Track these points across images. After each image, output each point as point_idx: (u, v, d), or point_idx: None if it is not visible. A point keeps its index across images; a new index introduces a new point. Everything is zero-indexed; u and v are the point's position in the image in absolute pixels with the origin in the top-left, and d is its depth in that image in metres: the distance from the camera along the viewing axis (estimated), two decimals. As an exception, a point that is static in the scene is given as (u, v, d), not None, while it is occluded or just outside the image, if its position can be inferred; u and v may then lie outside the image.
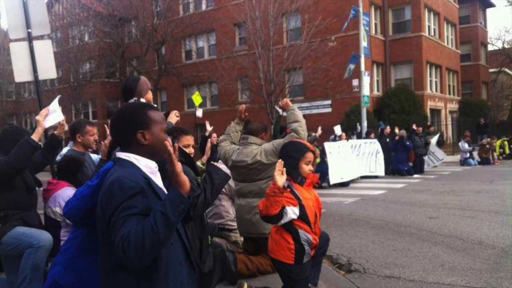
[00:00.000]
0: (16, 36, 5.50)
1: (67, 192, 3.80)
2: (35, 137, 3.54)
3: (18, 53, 5.42)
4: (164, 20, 25.17)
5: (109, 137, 3.14)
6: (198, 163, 4.21)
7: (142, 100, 3.37)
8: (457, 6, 29.78)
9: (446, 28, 28.13)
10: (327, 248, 3.64)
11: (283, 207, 2.96)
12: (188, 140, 3.30)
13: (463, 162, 16.75)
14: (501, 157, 18.49)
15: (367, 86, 17.99)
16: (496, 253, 5.00)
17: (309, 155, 3.20)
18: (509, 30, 65.36)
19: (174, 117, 3.73)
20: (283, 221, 3.02)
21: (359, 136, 15.98)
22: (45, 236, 3.48)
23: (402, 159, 14.10)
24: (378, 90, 24.43)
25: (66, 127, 4.50)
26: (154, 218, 1.74)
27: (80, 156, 4.12)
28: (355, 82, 19.77)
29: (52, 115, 3.84)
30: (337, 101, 22.80)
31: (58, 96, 4.13)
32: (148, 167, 2.04)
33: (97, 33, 27.78)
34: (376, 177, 13.59)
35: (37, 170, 3.96)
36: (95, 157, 4.52)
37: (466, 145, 16.63)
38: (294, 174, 3.13)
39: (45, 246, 3.43)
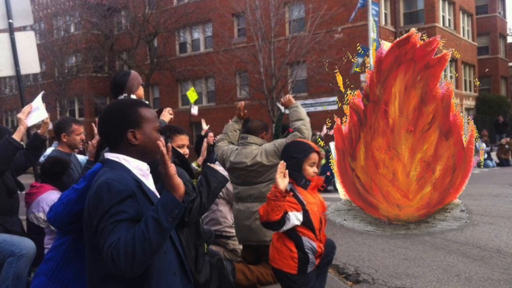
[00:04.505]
0: (-4, 27, 5.50)
1: (51, 196, 3.80)
2: (16, 136, 3.54)
3: (-2, 46, 5.42)
4: (157, 10, 25.18)
5: (97, 137, 3.15)
6: (194, 164, 4.21)
7: (133, 96, 3.37)
8: (474, -5, 29.84)
9: (462, 19, 28.14)
10: (333, 256, 3.64)
11: (285, 213, 2.96)
12: (183, 139, 3.31)
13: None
14: (521, 158, 18.48)
15: (377, 81, 17.95)
16: (516, 262, 5.01)
17: (314, 156, 3.21)
18: (530, 21, 65.36)
19: (167, 115, 3.74)
20: (285, 228, 3.02)
21: (368, 136, 15.95)
22: (27, 244, 3.48)
23: (414, 161, 14.09)
24: (388, 86, 24.41)
25: (50, 126, 4.50)
26: (145, 224, 1.74)
27: (66, 157, 4.12)
28: (363, 77, 19.77)
29: (35, 113, 3.84)
30: (344, 98, 22.79)
31: (42, 92, 4.14)
32: (139, 169, 2.04)
33: (84, 24, 27.77)
34: (386, 179, 13.57)
35: (19, 172, 3.96)
36: (81, 158, 4.52)
37: (484, 145, 16.63)
38: (297, 176, 3.13)
39: (28, 255, 3.43)
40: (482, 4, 32.39)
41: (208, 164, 3.23)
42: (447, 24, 25.98)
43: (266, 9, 20.29)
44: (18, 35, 5.46)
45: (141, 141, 2.03)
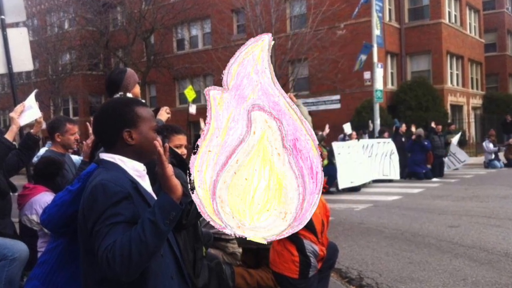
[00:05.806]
0: (-13, 23, 5.50)
1: (44, 197, 3.80)
2: (9, 136, 3.55)
3: (-10, 43, 5.42)
4: (154, 6, 25.15)
5: (92, 137, 3.14)
6: (191, 165, 4.20)
7: (129, 95, 3.37)
8: (481, -10, 29.83)
9: (469, 15, 28.14)
10: (335, 260, 3.65)
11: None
12: (180, 139, 3.31)
13: (488, 164, 16.76)
14: (530, 159, 18.47)
15: (380, 79, 18.00)
16: (525, 266, 5.01)
17: (316, 157, 3.20)
18: (539, 17, 65.25)
19: (164, 114, 3.74)
20: (286, 230, 3.02)
21: (371, 135, 15.99)
22: (20, 247, 3.48)
23: (420, 161, 14.11)
24: (392, 84, 24.44)
25: (44, 125, 4.50)
26: (142, 226, 1.74)
27: (59, 157, 4.12)
28: (366, 75, 19.80)
29: (28, 112, 3.84)
30: (346, 96, 22.81)
31: (35, 91, 4.14)
32: (136, 169, 2.04)
33: (78, 20, 27.75)
34: (390, 181, 13.59)
35: (11, 173, 3.96)
36: (76, 158, 4.52)
37: (491, 145, 16.63)
38: (298, 177, 3.12)
39: (20, 258, 3.43)
40: (489, -1, 32.39)
41: (207, 164, 3.23)
42: (453, 20, 25.96)
43: (266, 5, 20.29)
44: (10, 32, 5.45)
45: (138, 141, 2.02)
